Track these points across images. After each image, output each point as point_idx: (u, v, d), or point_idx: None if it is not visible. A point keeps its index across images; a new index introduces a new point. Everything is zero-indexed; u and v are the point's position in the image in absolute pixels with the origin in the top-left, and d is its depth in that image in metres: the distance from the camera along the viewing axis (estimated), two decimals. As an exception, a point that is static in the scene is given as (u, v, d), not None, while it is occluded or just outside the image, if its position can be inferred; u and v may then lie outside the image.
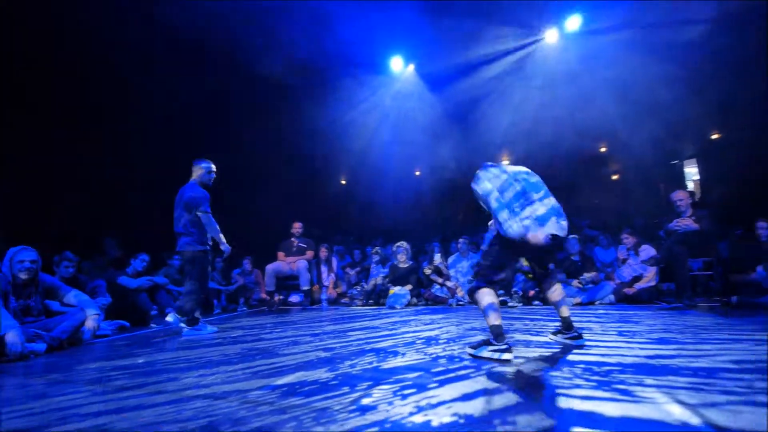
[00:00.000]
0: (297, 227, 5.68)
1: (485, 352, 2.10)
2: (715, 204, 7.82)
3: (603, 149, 12.42)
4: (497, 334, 2.09)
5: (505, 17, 6.53)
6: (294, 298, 5.78)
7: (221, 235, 3.56)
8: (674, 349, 2.16)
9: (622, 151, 11.62)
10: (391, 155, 9.66)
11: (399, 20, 6.52)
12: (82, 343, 3.05)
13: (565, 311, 2.41)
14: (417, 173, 12.61)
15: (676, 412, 1.30)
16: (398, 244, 5.28)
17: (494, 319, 2.11)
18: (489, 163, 2.35)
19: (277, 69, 6.60)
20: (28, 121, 5.13)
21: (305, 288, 5.19)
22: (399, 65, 7.89)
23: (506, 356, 2.03)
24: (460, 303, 4.76)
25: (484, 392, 1.58)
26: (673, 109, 7.38)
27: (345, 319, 3.98)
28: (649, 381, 1.63)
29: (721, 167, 9.48)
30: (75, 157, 5.48)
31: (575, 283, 4.52)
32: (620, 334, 2.68)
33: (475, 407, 1.42)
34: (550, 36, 6.87)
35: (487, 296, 2.17)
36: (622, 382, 1.62)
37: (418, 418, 1.34)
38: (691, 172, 12.63)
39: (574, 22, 6.60)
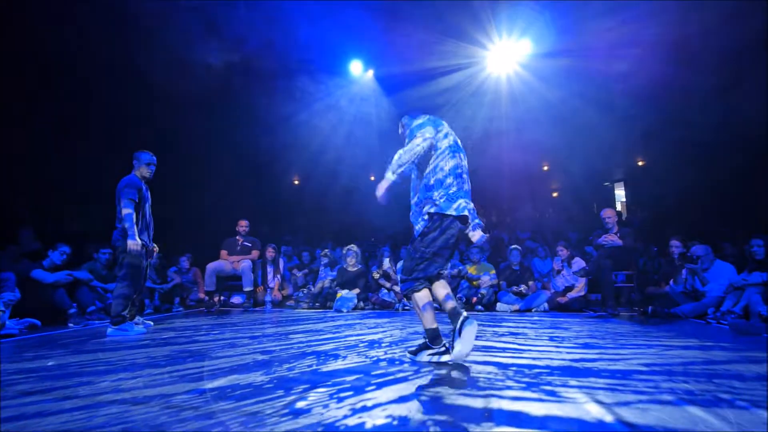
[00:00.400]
0: (243, 225, 5.44)
1: (424, 356, 2.12)
2: (638, 223, 8.64)
3: (546, 168, 13.29)
4: (434, 337, 2.10)
5: (457, 33, 6.74)
6: (236, 299, 5.52)
7: (133, 228, 3.24)
8: (596, 353, 2.33)
9: (562, 171, 12.56)
10: (345, 158, 9.62)
11: (360, 24, 6.55)
12: (-20, 343, 2.68)
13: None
14: (372, 178, 12.68)
15: (593, 411, 1.39)
16: (348, 247, 5.25)
17: (431, 322, 2.09)
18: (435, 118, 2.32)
19: (225, 59, 6.34)
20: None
21: (248, 289, 4.96)
22: (358, 69, 7.91)
23: (444, 358, 2.06)
24: (406, 308, 4.82)
25: (419, 395, 1.60)
26: (606, 134, 8.09)
27: (288, 321, 3.87)
28: (572, 382, 1.74)
29: (643, 190, 10.53)
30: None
31: (514, 290, 4.77)
32: (551, 339, 2.85)
33: (410, 409, 1.43)
34: (500, 56, 7.16)
35: (424, 296, 2.10)
36: (549, 384, 1.72)
37: (352, 421, 1.32)
38: (620, 194, 13.94)
39: (524, 46, 6.96)
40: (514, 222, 11.58)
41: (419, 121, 2.29)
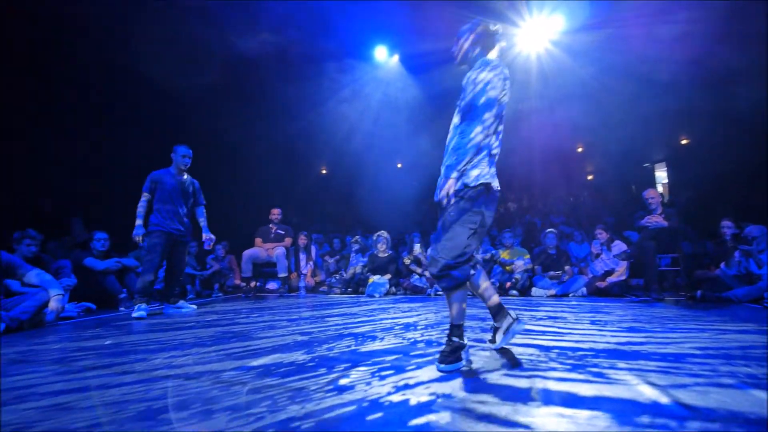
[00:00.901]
0: (275, 213, 5.56)
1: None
2: (683, 204, 8.16)
3: (580, 149, 12.74)
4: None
5: (486, 11, 6.47)
6: (271, 285, 5.68)
7: (139, 218, 3.55)
8: (643, 337, 2.23)
9: (598, 153, 12.00)
10: (373, 146, 9.60)
11: (384, 8, 6.44)
12: (45, 324, 2.89)
13: None
14: (399, 165, 12.61)
15: (646, 392, 1.34)
16: (378, 233, 5.27)
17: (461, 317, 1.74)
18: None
19: (258, 53, 6.42)
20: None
21: (282, 275, 5.09)
22: (383, 55, 7.81)
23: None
24: (438, 293, 4.80)
25: (461, 374, 1.58)
26: (645, 112, 7.62)
27: (323, 306, 3.94)
28: (621, 365, 1.68)
29: (687, 171, 9.91)
30: (46, 135, 5.19)
31: (551, 275, 4.64)
32: (593, 323, 2.75)
33: (453, 387, 1.42)
34: (531, 34, 6.86)
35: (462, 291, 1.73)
36: (595, 366, 1.66)
37: (396, 398, 1.33)
38: (661, 175, 13.18)
39: (557, 22, 6.63)
40: (547, 206, 11.24)
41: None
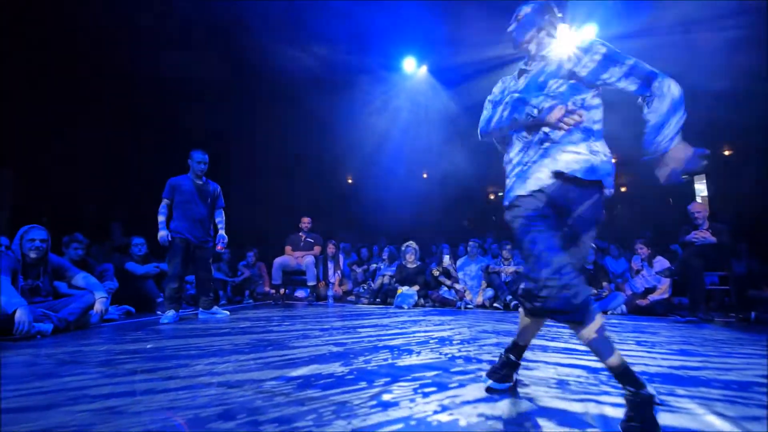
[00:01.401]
0: (306, 222, 5.63)
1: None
2: (731, 219, 7.71)
3: (614, 160, 12.30)
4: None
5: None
6: (300, 293, 5.73)
7: (161, 223, 3.66)
8: (699, 362, 2.09)
9: (633, 164, 11.56)
10: (400, 156, 9.62)
11: (412, 20, 6.49)
12: (90, 326, 3.01)
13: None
14: (424, 176, 12.58)
15: (716, 424, 1.24)
16: (407, 243, 5.23)
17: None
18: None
19: (291, 66, 6.60)
20: (44, 104, 5.13)
21: (312, 283, 5.13)
22: (412, 66, 7.85)
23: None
24: (468, 306, 4.70)
25: (509, 395, 1.52)
26: (686, 122, 7.28)
27: (353, 316, 3.93)
28: (680, 391, 1.57)
29: (730, 183, 9.37)
30: (90, 142, 5.49)
31: (592, 293, 4.45)
32: (638, 343, 2.61)
33: (502, 409, 1.37)
34: (562, 44, 6.69)
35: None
36: (652, 391, 1.56)
37: (444, 417, 1.29)
38: (700, 188, 12.54)
39: (589, 32, 6.45)
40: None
41: None
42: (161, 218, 3.65)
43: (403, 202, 11.27)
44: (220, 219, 4.00)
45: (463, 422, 1.25)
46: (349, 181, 12.78)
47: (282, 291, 5.35)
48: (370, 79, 7.87)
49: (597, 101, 1.45)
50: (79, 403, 1.40)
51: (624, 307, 4.28)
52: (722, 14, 5.18)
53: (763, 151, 7.09)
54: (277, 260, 5.24)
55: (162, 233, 3.63)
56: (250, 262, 5.71)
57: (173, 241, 3.66)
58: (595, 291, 4.42)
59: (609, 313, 4.30)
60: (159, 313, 3.97)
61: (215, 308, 3.88)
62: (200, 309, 3.86)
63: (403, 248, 5.26)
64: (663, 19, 5.79)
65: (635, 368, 1.91)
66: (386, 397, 1.48)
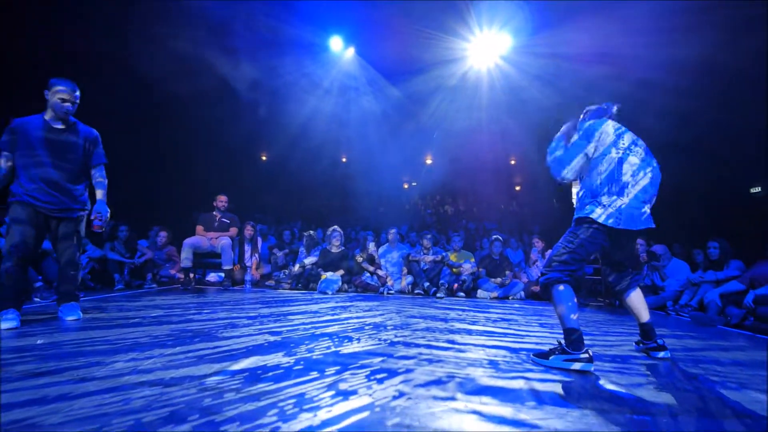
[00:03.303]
0: (222, 200, 5.18)
1: (560, 362, 1.83)
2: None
3: (513, 162, 13.81)
4: (576, 340, 1.82)
5: (438, 23, 6.61)
6: (211, 277, 5.30)
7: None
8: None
9: (527, 166, 13.11)
10: (318, 137, 9.37)
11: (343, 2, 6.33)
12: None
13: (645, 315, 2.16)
14: (343, 159, 12.54)
15: (610, 387, 1.53)
16: (333, 228, 5.19)
17: (574, 322, 1.85)
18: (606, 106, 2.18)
19: (206, 39, 5.95)
20: None
21: (227, 267, 4.78)
22: (339, 45, 7.63)
23: (588, 368, 1.78)
24: (390, 292, 4.89)
25: (454, 376, 1.65)
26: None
27: (278, 302, 3.79)
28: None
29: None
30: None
31: (500, 281, 4.99)
32: (541, 325, 3.03)
33: (452, 390, 1.48)
34: (483, 48, 7.14)
35: (570, 293, 1.90)
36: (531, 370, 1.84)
37: (404, 402, 1.35)
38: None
39: (505, 41, 6.98)
40: (481, 212, 12.02)
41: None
42: None
43: (320, 187, 11.11)
44: (100, 184, 2.75)
45: (422, 405, 1.33)
46: (263, 158, 12.09)
47: (192, 275, 4.88)
48: (294, 55, 7.46)
49: None
50: (-34, 418, 1.13)
51: (522, 293, 4.90)
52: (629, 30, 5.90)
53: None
54: (188, 241, 4.74)
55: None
56: (158, 243, 5.07)
57: (12, 207, 2.52)
58: (500, 280, 4.97)
59: (510, 297, 4.89)
60: (37, 299, 3.31)
61: (69, 305, 2.70)
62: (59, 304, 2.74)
63: (328, 232, 5.21)
64: (569, 32, 6.50)
65: (544, 346, 2.22)
66: (343, 386, 1.49)
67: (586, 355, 1.79)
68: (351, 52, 7.89)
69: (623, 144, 1.99)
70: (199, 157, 8.16)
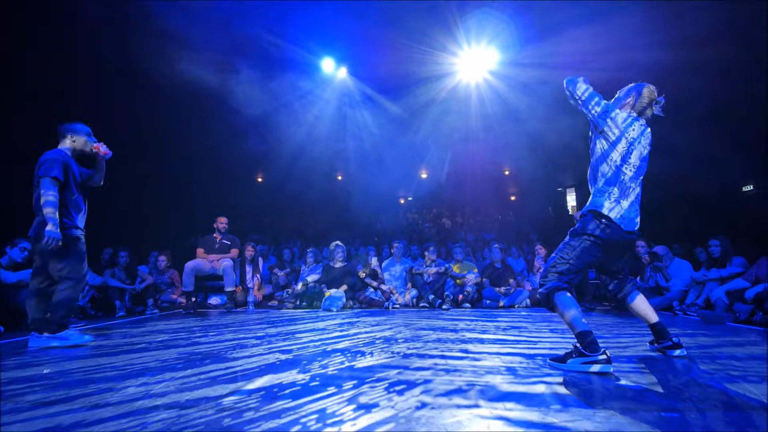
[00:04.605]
0: (222, 222, 5.17)
1: (578, 365, 1.81)
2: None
3: (507, 172, 13.97)
4: (591, 342, 1.82)
5: (426, 38, 6.76)
6: (214, 300, 5.23)
7: (53, 215, 2.55)
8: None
9: (521, 176, 13.26)
10: (312, 156, 9.43)
11: (331, 21, 6.46)
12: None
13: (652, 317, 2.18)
14: (339, 177, 12.61)
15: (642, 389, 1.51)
16: (336, 243, 5.17)
17: (583, 325, 1.86)
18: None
19: (202, 63, 6.05)
20: None
21: (230, 289, 4.72)
22: (330, 67, 7.76)
23: (608, 369, 1.76)
24: (395, 306, 4.84)
25: (475, 384, 1.63)
26: (559, 144, 8.61)
27: (283, 321, 3.74)
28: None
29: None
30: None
31: (503, 291, 4.96)
32: (552, 331, 3.01)
33: (474, 398, 1.46)
34: (470, 64, 7.30)
35: (572, 298, 1.94)
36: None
37: (427, 412, 1.33)
38: (571, 198, 15.00)
39: (492, 56, 7.13)
40: (479, 223, 12.06)
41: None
42: (53, 209, 2.55)
43: (317, 206, 11.11)
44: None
45: (447, 413, 1.31)
46: (259, 180, 12.13)
47: (194, 299, 4.81)
48: (288, 78, 7.58)
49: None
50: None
51: (528, 301, 4.88)
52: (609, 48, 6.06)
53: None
54: (189, 264, 4.70)
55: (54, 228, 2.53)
56: (160, 267, 5.01)
57: (75, 238, 2.67)
58: (504, 290, 4.94)
59: (516, 306, 4.86)
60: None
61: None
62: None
63: (331, 248, 5.18)
64: (554, 46, 6.67)
65: (558, 351, 2.21)
66: (363, 399, 1.47)
67: (605, 357, 1.78)
68: (343, 71, 8.04)
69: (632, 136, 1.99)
70: (195, 181, 8.18)
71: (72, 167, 2.74)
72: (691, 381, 1.65)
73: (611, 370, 1.77)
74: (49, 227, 2.50)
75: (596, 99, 2.03)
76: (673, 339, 2.11)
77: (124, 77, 5.48)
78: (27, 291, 2.72)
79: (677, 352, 2.08)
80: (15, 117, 4.63)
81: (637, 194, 2.01)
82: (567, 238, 2.07)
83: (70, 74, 5.05)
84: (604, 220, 1.95)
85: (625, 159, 1.97)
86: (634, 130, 1.98)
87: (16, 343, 2.82)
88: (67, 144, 2.79)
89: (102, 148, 2.88)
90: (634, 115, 2.04)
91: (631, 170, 1.97)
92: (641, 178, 2.03)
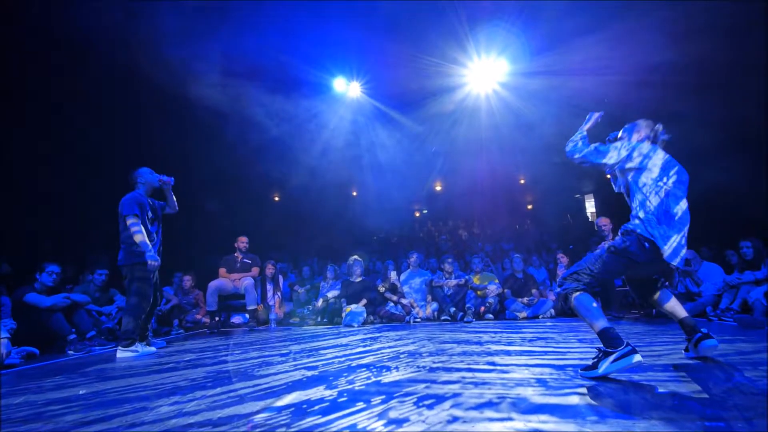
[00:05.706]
0: (243, 241, 5.26)
1: (610, 366, 1.78)
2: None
3: (522, 182, 13.84)
4: (613, 338, 1.82)
5: (436, 51, 6.85)
6: (236, 319, 5.29)
7: (147, 243, 3.21)
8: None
9: (537, 185, 13.12)
10: (328, 173, 9.57)
11: (342, 40, 6.62)
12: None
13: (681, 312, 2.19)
14: (354, 193, 12.72)
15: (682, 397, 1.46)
16: (354, 257, 5.19)
17: (603, 322, 1.88)
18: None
19: (216, 85, 6.27)
20: None
21: (252, 307, 4.78)
22: (342, 86, 7.93)
23: (636, 358, 1.75)
24: (417, 320, 4.80)
25: (505, 397, 1.60)
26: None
27: (306, 338, 3.75)
28: (635, 377, 1.81)
29: (612, 201, 11.09)
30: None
31: (526, 301, 4.87)
32: (580, 341, 2.93)
33: (506, 410, 1.43)
34: (481, 74, 7.35)
35: (589, 298, 1.97)
36: (619, 379, 1.77)
37: (459, 426, 1.31)
38: (589, 204, 14.72)
39: (502, 67, 7.18)
40: (496, 234, 11.91)
41: None
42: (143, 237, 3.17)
43: (334, 223, 11.20)
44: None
45: (480, 426, 1.29)
46: (276, 199, 12.34)
47: (217, 318, 4.88)
48: (302, 98, 7.78)
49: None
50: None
51: (552, 311, 4.77)
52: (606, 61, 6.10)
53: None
54: (212, 284, 4.79)
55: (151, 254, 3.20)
56: (185, 287, 5.12)
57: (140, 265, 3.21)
58: (527, 300, 4.84)
59: (540, 316, 4.75)
60: (71, 352, 3.33)
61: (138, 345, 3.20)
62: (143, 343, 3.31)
63: (350, 263, 5.20)
64: (564, 56, 6.69)
65: (588, 361, 2.15)
66: (393, 414, 1.46)
67: (629, 347, 1.77)
68: (355, 88, 8.20)
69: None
70: (214, 202, 8.37)
71: (145, 205, 3.31)
72: (733, 389, 1.58)
73: (641, 358, 1.76)
74: (148, 254, 3.17)
75: (598, 151, 2.23)
76: (703, 330, 2.08)
77: (149, 104, 5.72)
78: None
79: (709, 342, 2.03)
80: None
81: (683, 220, 2.03)
82: (601, 251, 2.09)
83: (98, 106, 5.31)
84: (647, 245, 1.95)
85: (657, 181, 2.05)
86: (647, 150, 2.12)
87: (53, 366, 2.91)
88: (138, 187, 3.38)
89: (164, 179, 3.43)
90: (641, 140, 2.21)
91: (666, 189, 2.03)
92: (684, 198, 2.07)
